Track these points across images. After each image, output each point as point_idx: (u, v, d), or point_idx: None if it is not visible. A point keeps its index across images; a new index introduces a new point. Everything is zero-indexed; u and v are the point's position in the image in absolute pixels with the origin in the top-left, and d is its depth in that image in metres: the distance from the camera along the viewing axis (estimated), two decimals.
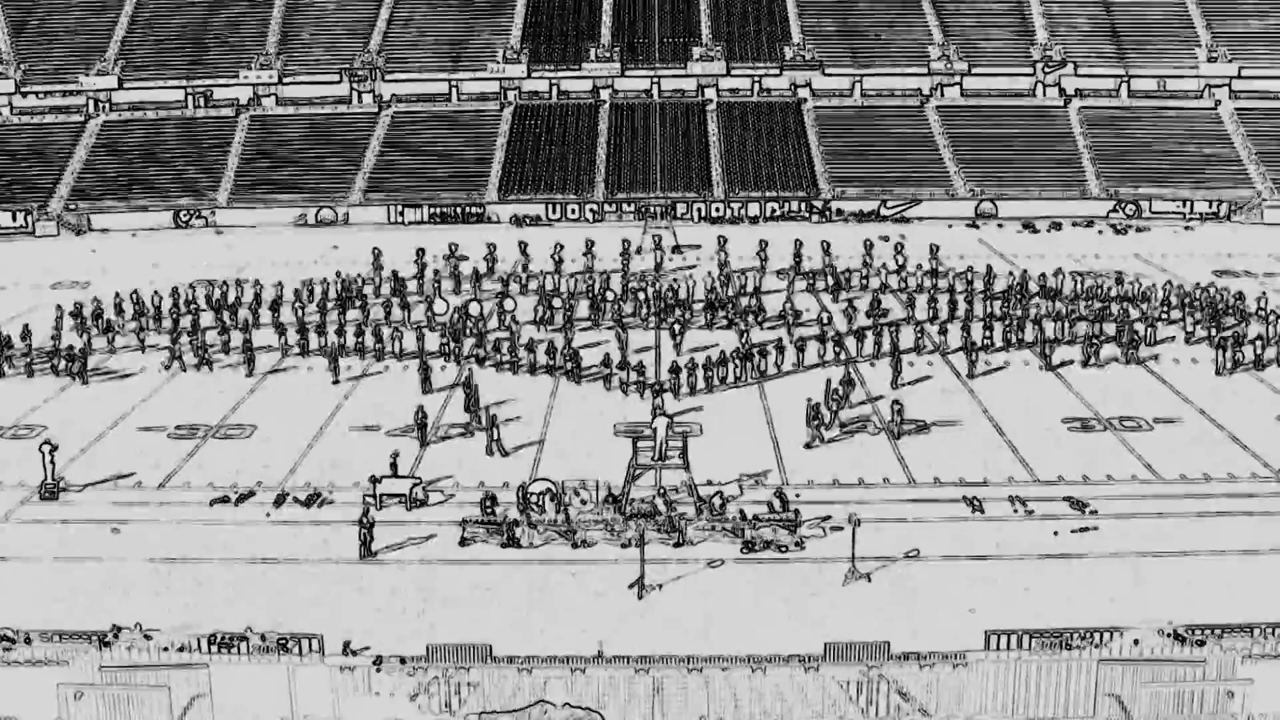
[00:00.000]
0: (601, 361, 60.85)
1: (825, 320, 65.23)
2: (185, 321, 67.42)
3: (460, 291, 74.13)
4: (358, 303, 70.89)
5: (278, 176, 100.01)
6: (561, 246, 78.69)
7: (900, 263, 77.23)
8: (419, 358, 61.01)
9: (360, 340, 64.35)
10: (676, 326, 65.15)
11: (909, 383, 59.01)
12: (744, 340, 63.19)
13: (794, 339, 63.83)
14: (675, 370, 58.44)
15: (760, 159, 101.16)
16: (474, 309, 67.63)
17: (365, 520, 43.36)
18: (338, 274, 73.57)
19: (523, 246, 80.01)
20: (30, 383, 60.54)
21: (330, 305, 69.87)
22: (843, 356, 62.34)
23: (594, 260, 78.67)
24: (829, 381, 55.84)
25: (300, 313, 68.01)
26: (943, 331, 64.66)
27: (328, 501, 47.24)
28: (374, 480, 47.27)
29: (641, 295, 70.50)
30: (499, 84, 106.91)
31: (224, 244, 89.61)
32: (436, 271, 75.63)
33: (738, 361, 60.30)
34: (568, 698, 35.44)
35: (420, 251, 77.54)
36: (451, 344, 63.12)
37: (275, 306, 68.80)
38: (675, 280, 73.88)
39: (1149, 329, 64.87)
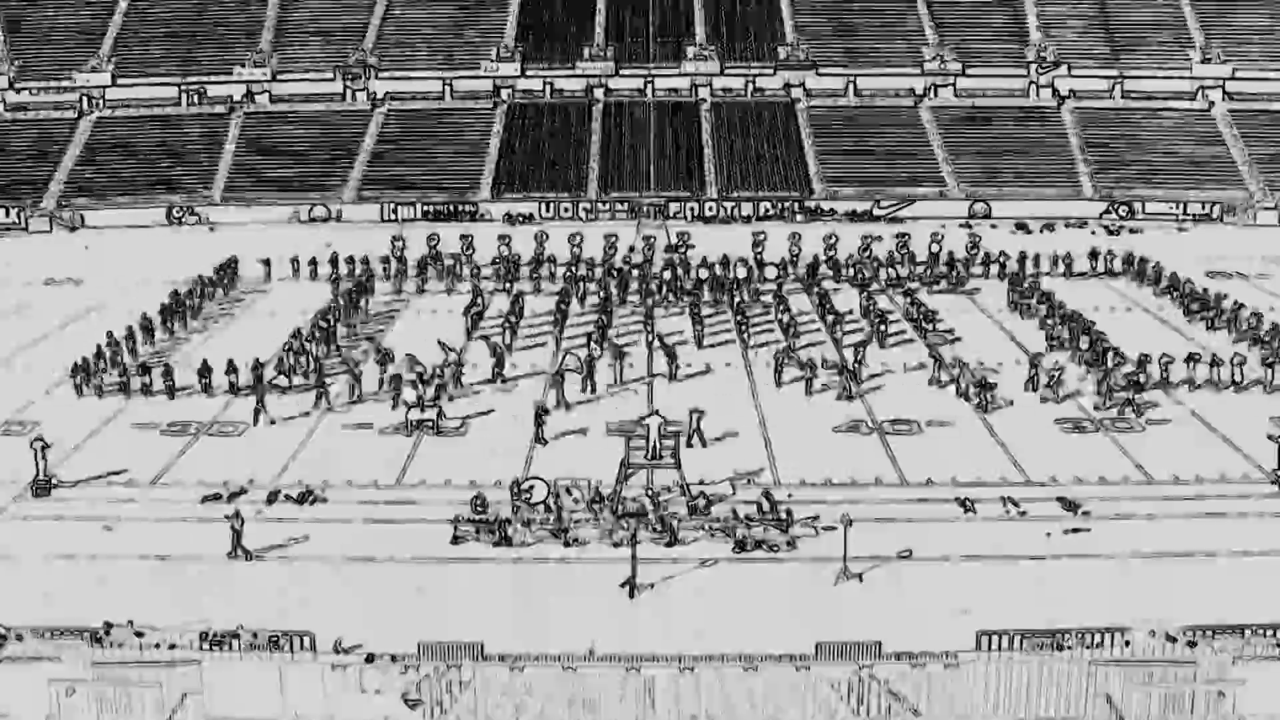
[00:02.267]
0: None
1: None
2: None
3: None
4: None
5: (271, 174, 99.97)
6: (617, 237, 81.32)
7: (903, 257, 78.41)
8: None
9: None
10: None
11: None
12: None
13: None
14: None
15: (754, 159, 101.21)
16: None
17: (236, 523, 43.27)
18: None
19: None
20: (22, 378, 60.52)
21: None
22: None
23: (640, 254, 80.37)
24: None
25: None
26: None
27: (320, 499, 47.21)
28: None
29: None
30: (493, 82, 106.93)
31: (218, 242, 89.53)
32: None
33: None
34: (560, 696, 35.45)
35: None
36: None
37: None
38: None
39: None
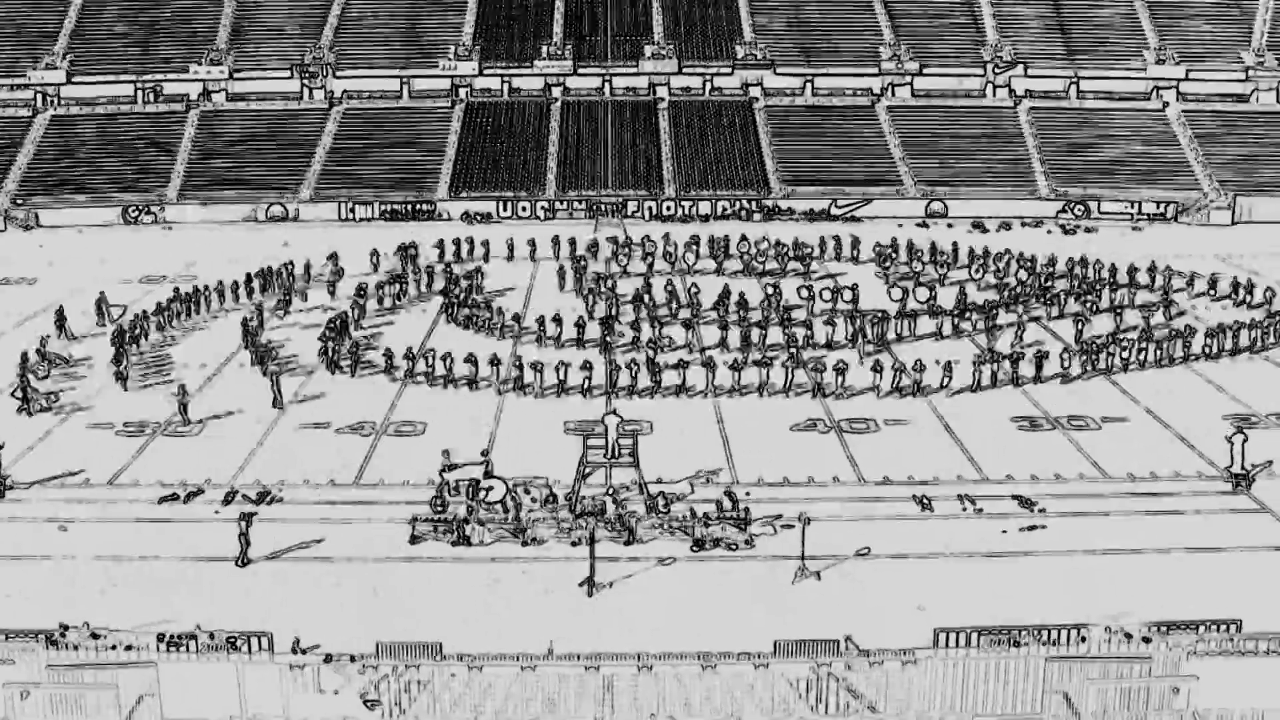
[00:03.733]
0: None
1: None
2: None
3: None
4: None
5: (228, 173, 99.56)
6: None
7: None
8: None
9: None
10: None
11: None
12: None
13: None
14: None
15: (711, 157, 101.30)
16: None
17: (244, 525, 43.14)
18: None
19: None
20: None
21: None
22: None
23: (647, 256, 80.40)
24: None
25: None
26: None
27: (278, 499, 47.10)
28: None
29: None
30: (450, 81, 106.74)
31: (174, 241, 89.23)
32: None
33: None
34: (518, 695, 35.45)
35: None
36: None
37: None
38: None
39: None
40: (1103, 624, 36.29)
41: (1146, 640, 36.02)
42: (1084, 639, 36.03)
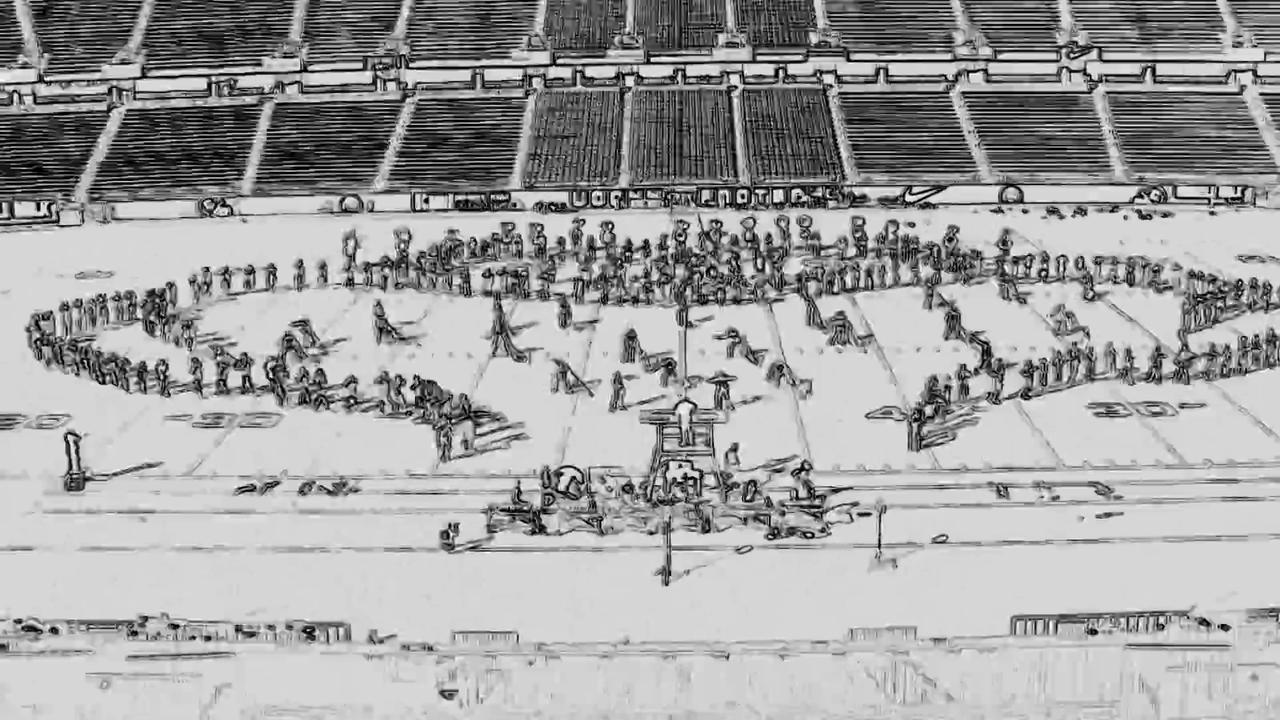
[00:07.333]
0: None
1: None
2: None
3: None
4: None
5: (301, 165, 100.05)
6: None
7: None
8: None
9: None
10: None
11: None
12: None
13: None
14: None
15: (785, 145, 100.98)
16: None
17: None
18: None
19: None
20: (56, 371, 60.74)
21: None
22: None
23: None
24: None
25: None
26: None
27: (354, 490, 47.31)
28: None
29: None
30: (523, 71, 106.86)
31: (249, 232, 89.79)
32: None
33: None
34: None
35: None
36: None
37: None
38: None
39: None
40: (1181, 611, 36.02)
41: (1225, 628, 35.71)
42: (1162, 626, 35.76)
